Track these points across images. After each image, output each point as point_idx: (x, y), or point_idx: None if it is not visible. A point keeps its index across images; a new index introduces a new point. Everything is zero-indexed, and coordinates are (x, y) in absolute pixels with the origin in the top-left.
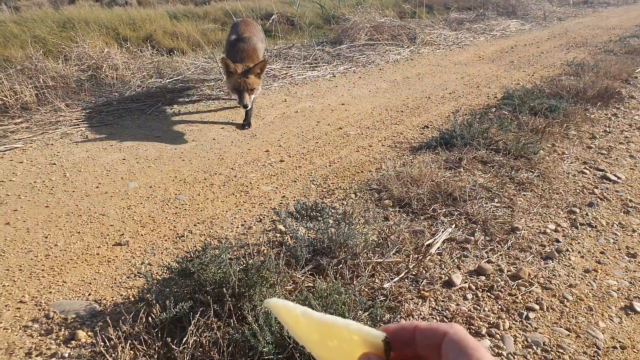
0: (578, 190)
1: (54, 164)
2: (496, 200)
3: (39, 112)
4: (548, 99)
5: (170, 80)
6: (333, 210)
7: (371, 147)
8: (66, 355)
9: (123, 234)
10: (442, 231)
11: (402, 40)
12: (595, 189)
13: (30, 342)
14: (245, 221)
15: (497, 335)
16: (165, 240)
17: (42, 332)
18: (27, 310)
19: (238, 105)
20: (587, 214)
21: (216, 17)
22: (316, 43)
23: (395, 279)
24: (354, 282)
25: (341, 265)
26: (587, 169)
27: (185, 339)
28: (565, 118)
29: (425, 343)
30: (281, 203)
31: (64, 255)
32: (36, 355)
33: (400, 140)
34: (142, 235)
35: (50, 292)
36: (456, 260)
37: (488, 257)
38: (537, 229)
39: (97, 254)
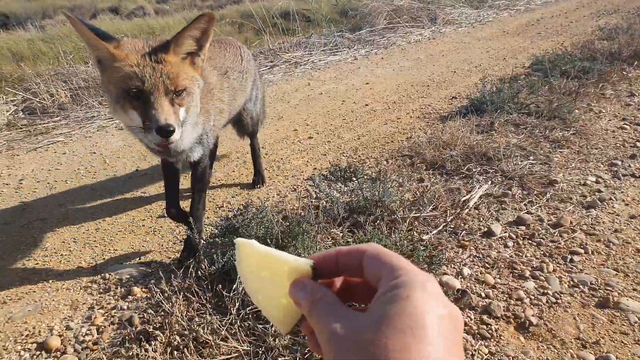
0: (618, 145)
1: (94, 152)
2: (531, 157)
3: (74, 111)
4: (581, 62)
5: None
6: (367, 173)
7: (399, 119)
8: (125, 307)
9: (163, 207)
10: (479, 187)
11: (423, 21)
12: (637, 143)
13: (91, 299)
14: (280, 191)
15: (542, 277)
16: (207, 210)
17: (101, 290)
18: (85, 273)
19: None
20: (629, 166)
21: (233, 19)
22: (335, 31)
23: (434, 232)
24: (392, 235)
25: (378, 222)
26: (626, 124)
27: (234, 287)
28: (601, 78)
29: (348, 264)
30: (313, 174)
31: (113, 228)
32: (98, 309)
33: (429, 111)
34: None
35: (104, 259)
36: (494, 213)
37: (527, 208)
38: (576, 181)
39: (143, 226)
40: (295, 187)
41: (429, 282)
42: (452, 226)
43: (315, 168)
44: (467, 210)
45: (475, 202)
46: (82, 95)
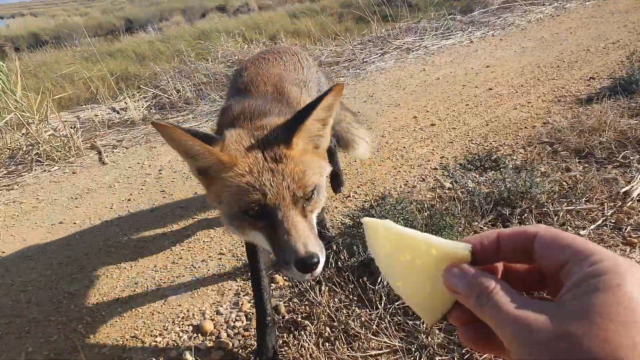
0: None
1: None
2: None
3: (199, 105)
4: None
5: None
6: (509, 160)
7: (530, 103)
8: None
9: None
10: None
11: None
12: None
13: (236, 285)
14: (407, 181)
15: None
16: (334, 201)
17: (244, 277)
18: (227, 260)
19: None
20: None
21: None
22: (446, 13)
23: (592, 227)
24: None
25: (526, 215)
26: None
27: (379, 279)
28: None
29: (511, 248)
30: (441, 163)
31: None
32: (244, 295)
33: (563, 94)
34: None
35: (242, 245)
36: None
37: None
38: None
39: None
40: (423, 177)
41: (635, 267)
42: (614, 220)
43: (442, 157)
44: (630, 202)
45: (639, 194)
46: (204, 90)
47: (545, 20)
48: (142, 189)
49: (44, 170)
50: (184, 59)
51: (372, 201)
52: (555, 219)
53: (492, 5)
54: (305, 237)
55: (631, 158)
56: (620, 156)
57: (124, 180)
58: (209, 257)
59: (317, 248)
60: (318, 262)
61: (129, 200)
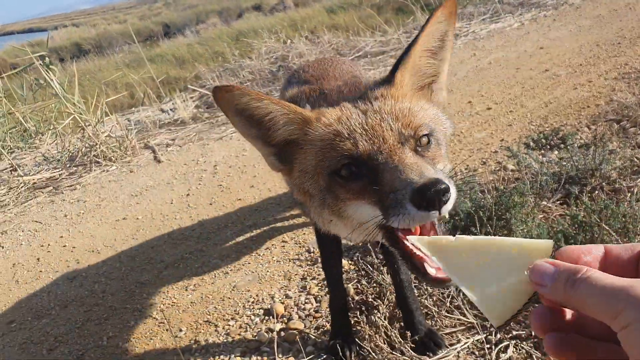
0: None
1: None
2: None
3: None
4: None
5: (351, 57)
6: (579, 138)
7: (591, 82)
8: None
9: None
10: None
11: None
12: None
13: (302, 270)
14: (467, 165)
15: None
16: None
17: (309, 262)
18: (290, 247)
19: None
20: None
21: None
22: None
23: None
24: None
25: (597, 192)
26: None
27: None
28: None
29: (616, 260)
30: (501, 146)
31: None
32: (310, 279)
33: (627, 70)
34: None
35: (304, 234)
36: None
37: None
38: None
39: None
40: (484, 160)
41: None
42: None
43: (502, 140)
44: None
45: None
46: (250, 86)
47: None
48: (199, 184)
49: (103, 171)
50: (227, 57)
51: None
52: (629, 195)
53: None
54: (422, 167)
55: None
56: None
57: (181, 177)
58: (272, 245)
59: (440, 175)
60: (446, 188)
61: (187, 195)
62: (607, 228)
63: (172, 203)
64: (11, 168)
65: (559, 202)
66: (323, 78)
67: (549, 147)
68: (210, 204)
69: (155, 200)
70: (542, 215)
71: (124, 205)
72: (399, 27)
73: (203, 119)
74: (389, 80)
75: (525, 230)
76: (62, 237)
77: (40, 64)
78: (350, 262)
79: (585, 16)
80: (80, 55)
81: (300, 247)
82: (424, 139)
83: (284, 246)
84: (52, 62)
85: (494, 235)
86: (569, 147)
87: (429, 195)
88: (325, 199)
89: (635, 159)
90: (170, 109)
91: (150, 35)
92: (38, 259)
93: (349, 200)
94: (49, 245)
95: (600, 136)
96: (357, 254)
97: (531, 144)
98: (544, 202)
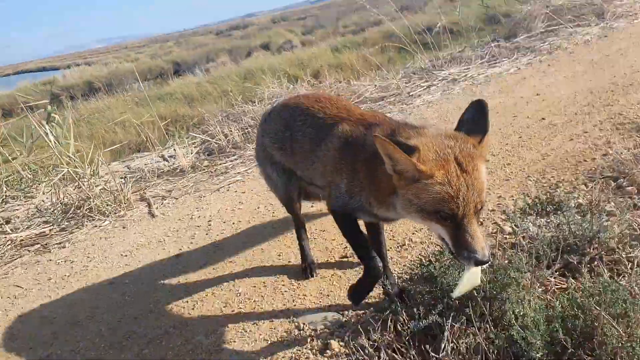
0: None
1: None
2: None
3: (247, 149)
4: None
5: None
6: (575, 202)
7: (587, 133)
8: None
9: (346, 247)
10: None
11: (588, 18)
12: None
13: (290, 352)
14: None
15: None
16: (388, 250)
17: (298, 343)
18: (278, 323)
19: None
20: None
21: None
22: (490, 40)
23: None
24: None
25: (596, 263)
26: None
27: (443, 347)
28: None
29: None
30: (499, 204)
31: (299, 270)
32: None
33: (621, 121)
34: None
35: (294, 305)
36: None
37: None
38: None
39: (329, 267)
40: (481, 220)
41: None
42: None
43: (499, 196)
44: None
45: None
46: (252, 134)
47: (593, 42)
48: (191, 242)
49: (95, 226)
50: (231, 101)
51: (430, 255)
52: (630, 266)
53: (536, 29)
54: (483, 243)
55: None
56: None
57: (174, 234)
58: (261, 317)
59: (489, 252)
60: (488, 262)
61: (178, 255)
62: (607, 317)
63: (162, 263)
64: (2, 222)
65: (558, 273)
66: (351, 111)
67: (544, 212)
68: (201, 267)
69: (145, 261)
70: (541, 289)
71: (113, 266)
72: (398, 71)
73: (202, 167)
74: (476, 147)
75: (521, 314)
76: (42, 304)
77: (41, 112)
78: (341, 343)
79: (579, 61)
80: (91, 93)
81: (290, 322)
82: (482, 206)
83: (272, 321)
84: (55, 109)
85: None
86: (565, 212)
87: (482, 264)
88: (421, 212)
89: (635, 223)
90: (170, 156)
91: (161, 73)
92: (13, 333)
93: (437, 224)
94: (27, 314)
95: (597, 202)
96: (349, 333)
97: (527, 209)
98: (542, 273)
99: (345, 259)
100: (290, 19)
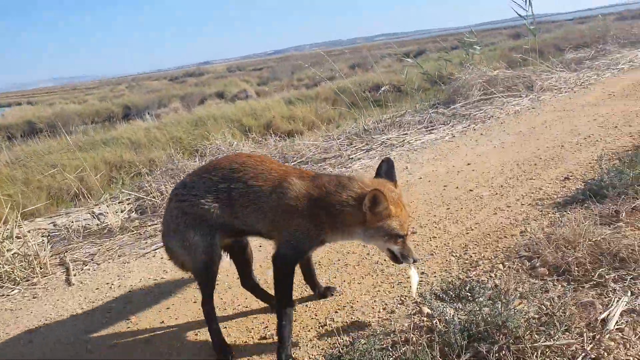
0: None
1: None
2: None
3: None
4: None
5: (293, 162)
6: (483, 286)
7: (509, 207)
8: None
9: (267, 327)
10: (617, 301)
11: (519, 90)
12: None
13: None
14: (386, 304)
15: None
16: (308, 331)
17: None
18: None
19: (406, 265)
20: None
21: (327, 96)
22: (429, 106)
23: None
24: None
25: (504, 352)
26: None
27: None
28: None
29: None
30: (421, 280)
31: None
32: None
33: (541, 196)
34: None
35: None
36: None
37: None
38: None
39: (244, 349)
40: (402, 298)
41: None
42: (593, 356)
43: (423, 272)
44: (609, 334)
45: (617, 322)
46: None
47: (523, 113)
48: (106, 317)
49: (2, 295)
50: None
51: (341, 347)
52: (534, 356)
53: (473, 96)
54: (413, 250)
55: (607, 277)
56: (596, 274)
57: (89, 306)
58: None
59: (416, 255)
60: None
61: (89, 332)
62: None
63: (68, 344)
64: None
65: None
66: (284, 166)
67: (457, 298)
68: (111, 347)
69: (52, 340)
70: None
71: (14, 346)
72: (344, 130)
73: (131, 228)
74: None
75: None
76: None
77: None
78: None
79: (508, 132)
80: (33, 134)
81: None
82: None
83: None
84: None
85: None
86: (477, 301)
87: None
88: (386, 234)
89: (543, 306)
90: (100, 214)
91: (109, 117)
92: None
93: (394, 242)
94: None
95: (505, 291)
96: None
97: (441, 294)
98: None
99: (265, 339)
100: (247, 68)
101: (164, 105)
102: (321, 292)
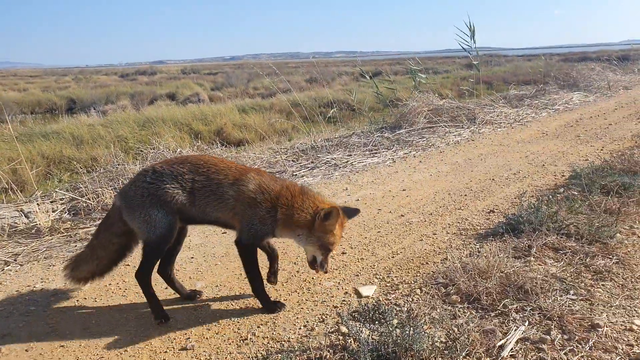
0: None
1: (127, 264)
2: (572, 292)
3: None
4: (620, 176)
5: None
6: (397, 308)
7: (435, 235)
8: None
9: (189, 338)
10: (515, 330)
11: (462, 120)
12: None
13: None
14: (307, 322)
15: None
16: (230, 344)
17: None
18: None
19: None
20: None
21: (282, 108)
22: (375, 130)
23: None
24: None
25: None
26: None
27: None
28: None
29: None
30: (344, 300)
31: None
32: None
33: (466, 226)
34: (207, 338)
35: None
36: None
37: (568, 359)
38: (621, 325)
39: (163, 359)
40: (323, 317)
41: None
42: None
43: (346, 292)
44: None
45: (512, 349)
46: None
47: (462, 144)
48: (24, 321)
49: None
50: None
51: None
52: None
53: (418, 124)
54: (328, 263)
55: (510, 307)
56: (501, 305)
57: (6, 309)
58: None
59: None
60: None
61: (5, 335)
62: None
63: None
64: None
65: None
66: (247, 168)
67: (370, 320)
68: (26, 351)
69: None
70: None
71: None
72: (292, 146)
73: (61, 230)
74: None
75: None
76: None
77: None
78: None
79: (446, 162)
80: None
81: None
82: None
83: None
84: None
85: None
86: (387, 323)
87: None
88: (318, 241)
89: (451, 332)
90: (29, 212)
91: (52, 109)
92: None
93: (319, 251)
94: None
95: (414, 315)
96: None
97: (356, 315)
98: None
99: (185, 350)
100: (201, 72)
101: (112, 102)
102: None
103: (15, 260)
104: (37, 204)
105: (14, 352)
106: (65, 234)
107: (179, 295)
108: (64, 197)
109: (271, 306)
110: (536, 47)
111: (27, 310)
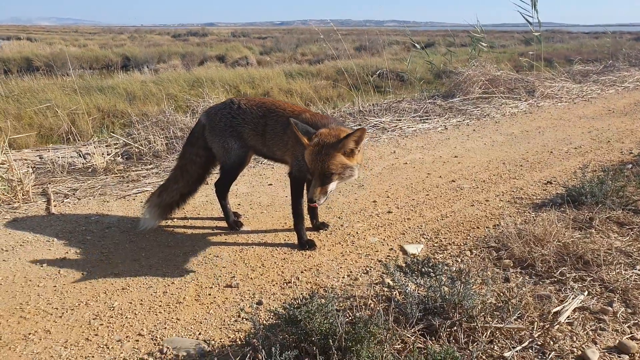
0: None
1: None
2: (638, 267)
3: (167, 160)
4: None
5: None
6: (446, 267)
7: (487, 201)
8: None
9: (234, 277)
10: (573, 298)
11: (520, 93)
12: None
13: None
14: (351, 272)
15: None
16: (273, 285)
17: None
18: (144, 342)
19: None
20: None
21: (328, 74)
22: (427, 97)
23: (518, 348)
24: (470, 348)
25: (455, 328)
26: None
27: None
28: None
29: None
30: (389, 256)
31: (180, 293)
32: None
33: (520, 195)
34: (251, 278)
35: (165, 327)
36: (591, 333)
37: (632, 332)
38: None
39: (209, 295)
40: (367, 269)
41: None
42: (540, 343)
43: (391, 249)
44: (558, 325)
45: (568, 317)
46: (176, 144)
47: (519, 116)
48: (81, 247)
49: None
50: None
51: (301, 298)
52: (483, 336)
53: (473, 93)
54: (314, 193)
55: (567, 275)
56: (558, 272)
57: (65, 235)
58: (127, 336)
59: (317, 198)
60: (315, 202)
61: (63, 259)
62: None
63: (42, 266)
64: None
65: (420, 332)
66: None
67: (419, 273)
68: (83, 274)
69: (25, 260)
70: (399, 346)
71: None
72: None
73: (115, 171)
74: (334, 145)
75: None
76: None
77: None
78: None
79: (501, 132)
80: (29, 71)
81: (155, 344)
82: (327, 176)
83: (137, 340)
84: None
85: None
86: (437, 277)
87: (311, 202)
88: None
89: (501, 294)
90: (87, 153)
91: (108, 65)
92: None
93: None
94: None
95: (467, 272)
96: None
97: (404, 267)
98: (405, 332)
99: (230, 288)
100: (251, 35)
101: (164, 61)
102: (317, 225)
103: (73, 194)
104: (94, 147)
105: (72, 275)
106: (119, 174)
107: (223, 240)
108: (117, 142)
109: (304, 242)
110: (606, 24)
111: (83, 239)
